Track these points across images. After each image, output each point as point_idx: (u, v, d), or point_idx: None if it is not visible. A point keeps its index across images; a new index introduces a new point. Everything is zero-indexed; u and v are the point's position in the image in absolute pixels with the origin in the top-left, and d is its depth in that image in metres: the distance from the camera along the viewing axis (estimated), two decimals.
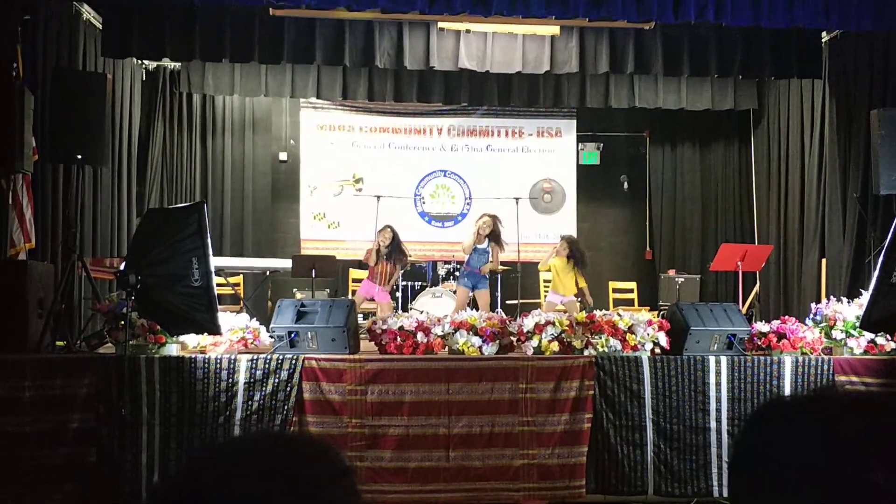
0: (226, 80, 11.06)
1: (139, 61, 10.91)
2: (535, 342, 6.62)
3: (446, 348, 6.62)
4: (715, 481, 6.45)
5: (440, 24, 9.68)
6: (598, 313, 6.90)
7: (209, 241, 6.02)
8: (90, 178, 9.29)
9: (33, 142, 7.35)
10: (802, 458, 0.98)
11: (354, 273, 11.66)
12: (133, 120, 10.72)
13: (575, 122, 13.07)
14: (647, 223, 13.39)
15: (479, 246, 9.87)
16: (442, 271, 11.68)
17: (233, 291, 10.55)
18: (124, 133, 10.40)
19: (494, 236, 9.85)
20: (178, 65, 11.22)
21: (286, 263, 10.55)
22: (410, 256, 10.69)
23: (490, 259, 9.90)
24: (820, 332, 6.90)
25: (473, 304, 9.75)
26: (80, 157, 6.98)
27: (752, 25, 8.35)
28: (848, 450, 0.96)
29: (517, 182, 12.58)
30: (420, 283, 11.77)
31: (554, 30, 9.85)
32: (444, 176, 12.97)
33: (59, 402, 5.89)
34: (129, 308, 5.83)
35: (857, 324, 6.75)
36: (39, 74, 7.94)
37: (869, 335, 6.77)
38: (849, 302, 7.09)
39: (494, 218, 9.98)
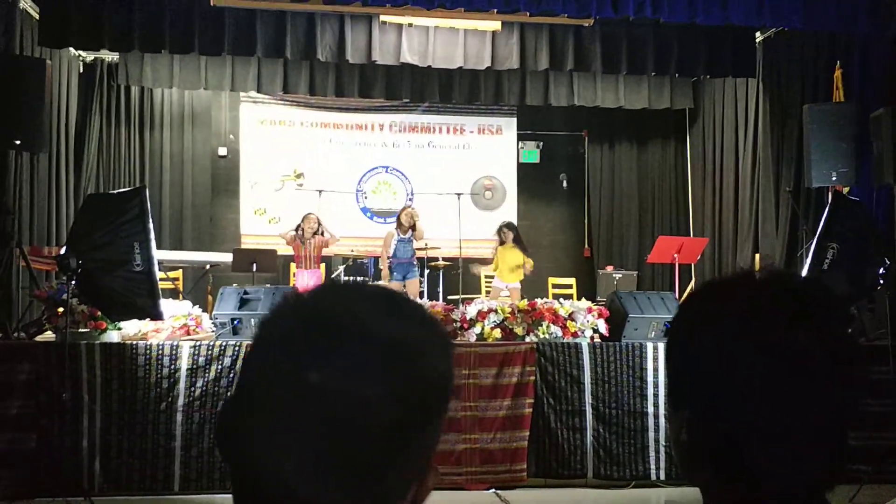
0: (164, 73, 10.94)
1: (76, 53, 10.76)
2: (477, 329, 6.70)
3: None
4: (653, 464, 6.58)
5: (382, 18, 9.70)
6: (539, 301, 7.01)
7: (151, 225, 5.99)
8: (27, 168, 9.13)
9: None
10: (732, 326, 1.06)
11: (295, 268, 11.63)
12: (70, 112, 10.56)
13: (515, 120, 13.19)
14: (586, 221, 13.57)
15: (403, 237, 10.13)
16: (382, 266, 11.70)
17: (172, 286, 10.45)
18: (61, 125, 10.24)
19: (415, 226, 10.34)
20: (115, 57, 11.07)
21: (227, 258, 10.50)
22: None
23: (415, 242, 10.22)
24: None
25: None
26: (17, 142, 6.89)
27: (687, 22, 8.53)
28: (774, 317, 1.04)
29: (458, 179, 12.63)
30: (363, 279, 11.78)
31: (495, 25, 9.95)
32: (386, 172, 13.00)
33: None
34: (69, 292, 5.76)
35: None
36: None
37: None
38: None
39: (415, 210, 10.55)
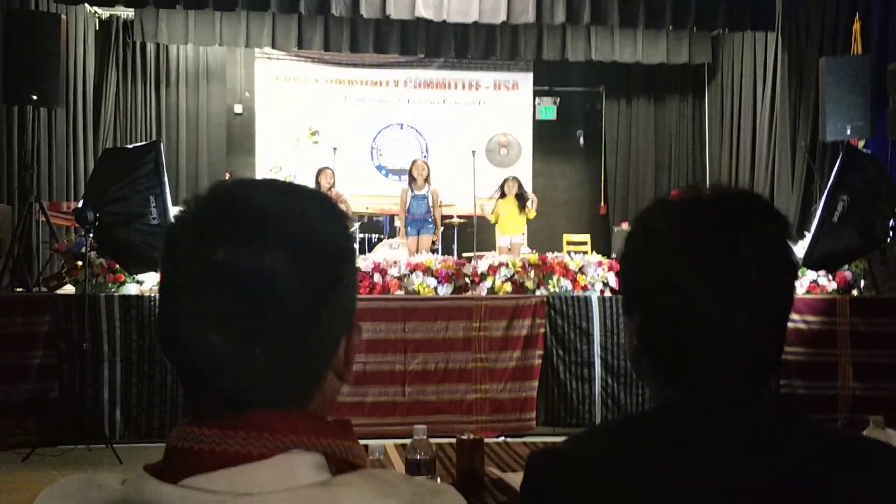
0: (179, 29, 10.99)
1: (92, 10, 10.81)
2: (488, 283, 6.77)
3: (402, 290, 6.75)
4: None
5: None
6: (549, 255, 7.08)
7: (166, 179, 6.08)
8: (45, 125, 9.23)
9: None
10: (678, 236, 1.14)
11: None
12: (87, 69, 10.66)
13: (531, 75, 13.16)
14: (602, 178, 13.57)
15: (417, 193, 10.08)
16: (398, 223, 11.75)
17: None
18: (78, 82, 10.33)
19: (428, 179, 10.16)
20: (131, 14, 11.12)
21: None
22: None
23: (431, 206, 10.13)
24: None
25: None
26: (35, 98, 6.97)
27: None
28: (715, 227, 1.13)
29: (474, 135, 12.66)
30: (377, 236, 11.85)
31: None
32: (401, 129, 13.02)
33: (20, 339, 5.94)
34: (87, 245, 5.87)
35: (800, 264, 6.97)
36: None
37: (812, 276, 6.99)
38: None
39: (426, 162, 10.34)
